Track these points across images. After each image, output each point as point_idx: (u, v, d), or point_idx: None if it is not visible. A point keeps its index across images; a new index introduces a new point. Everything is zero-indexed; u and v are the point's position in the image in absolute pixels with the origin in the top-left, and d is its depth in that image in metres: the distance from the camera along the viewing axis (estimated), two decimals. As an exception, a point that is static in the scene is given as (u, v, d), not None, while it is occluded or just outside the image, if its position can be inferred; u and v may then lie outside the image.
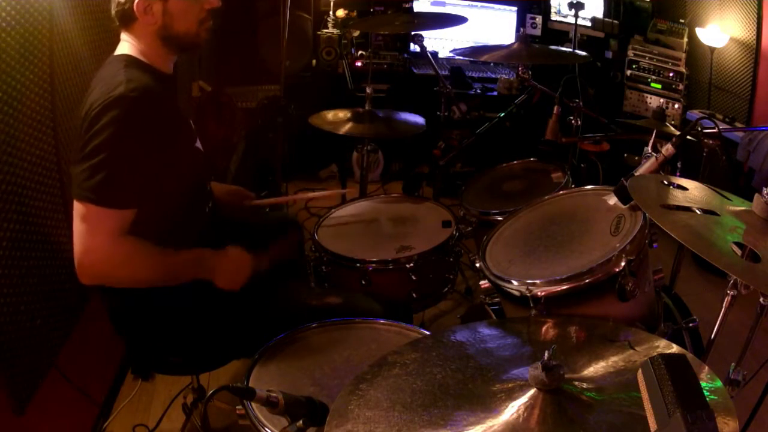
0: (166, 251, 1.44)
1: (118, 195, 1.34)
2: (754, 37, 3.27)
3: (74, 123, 1.82)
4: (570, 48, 3.47)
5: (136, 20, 1.43)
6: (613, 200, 1.53)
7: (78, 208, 1.35)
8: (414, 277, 1.88)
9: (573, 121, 2.43)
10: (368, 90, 2.54)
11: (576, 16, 3.38)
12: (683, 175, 1.59)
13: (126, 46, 1.48)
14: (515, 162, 2.48)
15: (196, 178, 1.63)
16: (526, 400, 0.94)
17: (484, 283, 1.53)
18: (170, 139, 1.44)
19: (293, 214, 3.23)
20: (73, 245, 1.35)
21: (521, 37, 2.36)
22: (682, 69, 3.58)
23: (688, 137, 1.67)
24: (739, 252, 1.13)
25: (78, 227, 1.35)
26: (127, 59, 1.45)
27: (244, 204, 1.97)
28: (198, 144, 1.62)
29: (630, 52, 3.71)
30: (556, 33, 4.04)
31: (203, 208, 1.65)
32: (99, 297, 1.62)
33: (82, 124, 1.36)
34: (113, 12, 1.46)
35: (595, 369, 1.05)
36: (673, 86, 3.61)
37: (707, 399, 0.73)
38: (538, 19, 4.05)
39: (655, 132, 1.73)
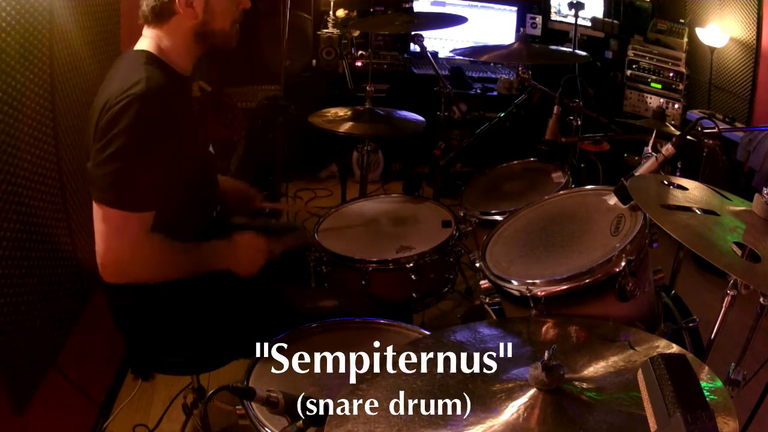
0: (185, 245, 1.44)
1: (142, 198, 1.33)
2: (754, 37, 3.27)
3: (75, 122, 1.82)
4: (570, 48, 3.47)
5: (175, 15, 1.40)
6: (613, 200, 1.52)
7: (100, 210, 1.32)
8: (414, 277, 1.88)
9: (573, 121, 2.42)
10: (369, 88, 2.54)
11: (576, 16, 3.38)
12: (683, 175, 1.58)
13: (147, 42, 1.44)
14: (515, 162, 2.48)
15: (207, 182, 1.62)
16: (526, 400, 0.94)
17: (484, 283, 1.53)
18: (187, 141, 1.43)
19: (293, 216, 3.23)
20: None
21: (521, 37, 2.36)
22: (682, 69, 3.58)
23: (688, 137, 1.67)
24: (739, 252, 1.13)
25: (101, 228, 1.33)
26: (148, 56, 1.42)
27: (249, 206, 1.97)
28: (210, 148, 1.62)
29: (630, 52, 3.72)
30: (556, 33, 4.04)
31: (211, 211, 1.65)
32: (100, 296, 1.62)
33: (98, 122, 1.33)
34: (146, 7, 1.42)
35: (595, 369, 1.05)
36: (673, 86, 3.61)
37: (707, 399, 0.72)
38: (538, 19, 4.06)
39: (655, 132, 1.73)
